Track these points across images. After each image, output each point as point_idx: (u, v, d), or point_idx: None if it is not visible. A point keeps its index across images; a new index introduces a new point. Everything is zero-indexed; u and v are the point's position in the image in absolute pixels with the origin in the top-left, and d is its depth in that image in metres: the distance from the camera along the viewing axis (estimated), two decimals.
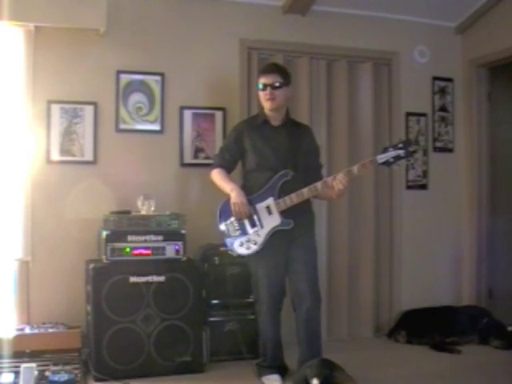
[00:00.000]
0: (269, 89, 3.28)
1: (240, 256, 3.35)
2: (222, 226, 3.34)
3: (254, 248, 3.26)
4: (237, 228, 3.29)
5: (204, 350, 3.57)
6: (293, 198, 3.20)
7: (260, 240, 3.25)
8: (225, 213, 3.32)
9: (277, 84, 3.28)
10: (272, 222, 3.24)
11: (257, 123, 3.40)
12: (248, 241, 3.27)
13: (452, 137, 4.86)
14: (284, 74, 3.35)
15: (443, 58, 4.80)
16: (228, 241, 3.33)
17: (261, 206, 3.26)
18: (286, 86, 3.33)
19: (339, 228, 4.43)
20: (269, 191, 3.26)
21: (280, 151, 3.30)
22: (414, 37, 4.68)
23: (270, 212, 3.25)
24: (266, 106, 3.33)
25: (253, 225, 3.27)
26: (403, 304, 4.55)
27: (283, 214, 3.24)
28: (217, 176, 3.40)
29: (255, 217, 3.26)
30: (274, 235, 3.25)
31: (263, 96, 3.31)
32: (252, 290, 3.49)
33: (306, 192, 3.20)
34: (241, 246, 3.29)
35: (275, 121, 3.37)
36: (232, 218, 3.29)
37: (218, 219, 3.35)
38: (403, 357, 3.94)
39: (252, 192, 3.29)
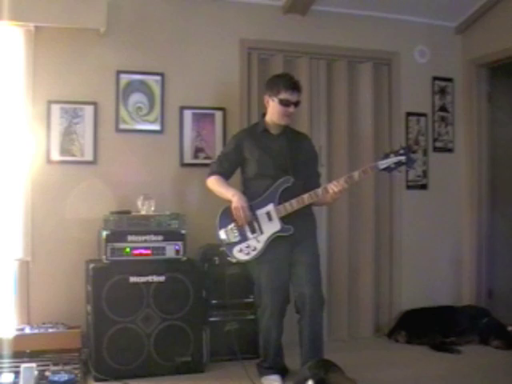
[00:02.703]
0: (292, 107, 3.28)
1: (239, 262, 3.34)
2: (222, 232, 3.31)
3: (253, 254, 3.26)
4: (236, 234, 3.28)
5: (204, 350, 3.58)
6: (293, 204, 3.22)
7: (260, 246, 3.25)
8: (224, 219, 3.31)
9: (298, 103, 3.32)
10: (272, 227, 3.25)
11: (257, 132, 3.40)
12: (247, 246, 3.26)
13: (452, 137, 4.86)
14: (301, 92, 3.37)
15: (443, 57, 4.80)
16: (227, 247, 3.30)
17: (261, 212, 3.26)
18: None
19: (339, 228, 4.42)
20: (269, 197, 3.27)
21: (280, 159, 3.30)
22: (414, 37, 4.68)
23: (270, 218, 3.25)
24: (282, 121, 3.31)
25: (253, 231, 3.26)
26: (403, 304, 4.55)
27: (284, 219, 3.24)
28: (215, 183, 3.39)
29: (255, 223, 3.26)
30: (277, 240, 3.25)
31: (283, 111, 3.28)
32: (254, 295, 3.49)
33: (306, 198, 3.22)
34: (240, 252, 3.28)
35: (275, 130, 3.38)
36: (232, 224, 3.28)
37: (218, 225, 3.32)
38: (403, 357, 3.94)
39: (252, 198, 3.28)
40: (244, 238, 3.27)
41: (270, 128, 3.37)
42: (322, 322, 3.36)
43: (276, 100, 3.28)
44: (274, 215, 3.25)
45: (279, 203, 3.24)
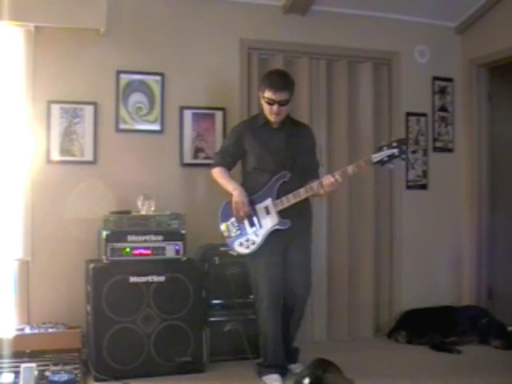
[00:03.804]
0: (276, 106, 3.31)
1: (239, 255, 3.42)
2: (223, 226, 3.41)
3: (252, 247, 3.34)
4: (237, 228, 3.37)
5: (204, 350, 3.58)
6: (290, 198, 3.30)
7: (258, 240, 3.33)
8: (226, 213, 3.41)
9: (284, 101, 3.31)
10: (270, 221, 3.33)
11: (257, 125, 3.44)
12: (247, 240, 3.35)
13: (452, 137, 4.86)
14: (292, 89, 3.37)
15: (443, 58, 4.80)
16: (228, 240, 3.40)
17: (260, 207, 3.35)
18: (290, 100, 3.39)
19: (339, 228, 4.42)
20: (267, 192, 3.34)
21: (279, 154, 3.37)
22: (414, 37, 4.68)
23: (268, 212, 3.33)
24: (270, 118, 3.38)
25: (252, 225, 3.35)
26: (403, 304, 4.55)
27: (281, 214, 3.31)
28: (219, 174, 3.49)
29: (254, 217, 3.34)
30: (272, 235, 3.32)
31: (268, 110, 3.34)
32: (251, 288, 3.51)
33: (302, 192, 3.30)
34: (240, 246, 3.37)
35: (276, 123, 3.42)
36: (232, 219, 3.37)
37: (219, 219, 3.42)
38: (403, 357, 3.94)
39: (251, 193, 3.36)
40: (244, 232, 3.37)
41: (271, 122, 3.42)
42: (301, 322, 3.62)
43: (263, 98, 3.35)
44: (272, 210, 3.33)
45: (277, 198, 3.32)
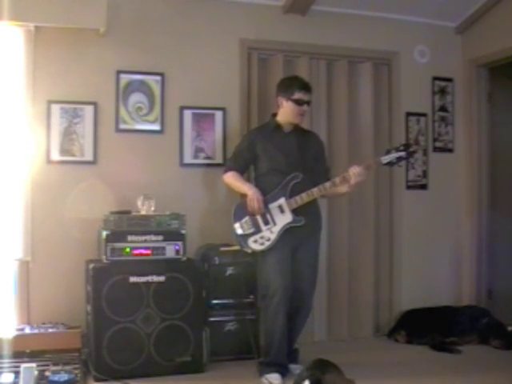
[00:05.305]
0: (305, 106, 3.52)
1: (254, 252, 3.49)
2: (237, 225, 3.48)
3: (267, 244, 3.42)
4: (251, 226, 3.46)
5: (204, 350, 3.58)
6: (303, 197, 3.41)
7: (273, 236, 3.42)
8: (239, 213, 3.50)
9: (310, 101, 3.56)
10: (284, 219, 3.43)
11: (268, 129, 3.58)
12: (262, 237, 3.44)
13: (452, 137, 4.86)
14: (312, 92, 3.61)
15: (443, 58, 4.80)
16: (242, 238, 3.46)
17: (273, 206, 3.46)
18: None
19: (339, 228, 4.42)
20: (281, 192, 3.46)
21: (290, 156, 3.50)
22: (414, 37, 4.68)
23: (282, 210, 3.44)
24: (296, 120, 3.53)
25: (266, 222, 3.45)
26: (403, 304, 4.55)
27: (294, 212, 3.42)
28: (232, 178, 3.60)
29: (268, 215, 3.44)
30: (284, 234, 3.41)
31: (297, 110, 3.49)
32: (260, 285, 3.55)
33: (315, 191, 3.42)
34: (255, 243, 3.45)
35: (286, 128, 3.55)
36: (246, 217, 3.46)
37: (233, 219, 3.50)
38: (403, 357, 3.94)
39: (264, 194, 3.46)
40: (258, 230, 3.45)
41: (283, 127, 3.56)
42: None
43: (290, 100, 3.47)
44: (285, 208, 3.44)
45: (290, 197, 3.43)
